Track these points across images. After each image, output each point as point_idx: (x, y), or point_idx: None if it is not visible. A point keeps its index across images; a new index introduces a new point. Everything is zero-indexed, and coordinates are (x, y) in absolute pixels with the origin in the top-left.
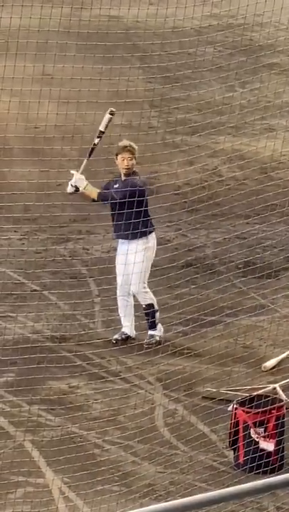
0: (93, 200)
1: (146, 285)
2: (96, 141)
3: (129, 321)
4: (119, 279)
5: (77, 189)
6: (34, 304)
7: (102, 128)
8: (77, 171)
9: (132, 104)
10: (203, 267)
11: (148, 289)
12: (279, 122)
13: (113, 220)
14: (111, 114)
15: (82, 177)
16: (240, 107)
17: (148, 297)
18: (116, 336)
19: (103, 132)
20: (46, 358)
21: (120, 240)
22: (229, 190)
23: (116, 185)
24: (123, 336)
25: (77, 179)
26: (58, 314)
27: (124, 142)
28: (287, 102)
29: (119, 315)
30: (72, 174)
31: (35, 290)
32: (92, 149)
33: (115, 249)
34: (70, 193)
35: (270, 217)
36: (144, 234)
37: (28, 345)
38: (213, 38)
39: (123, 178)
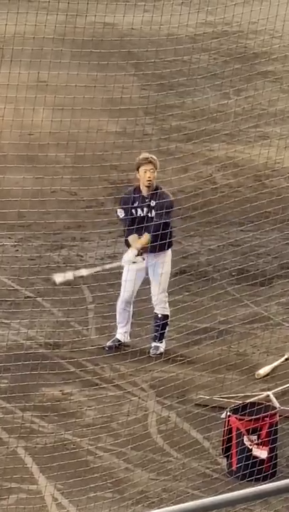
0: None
1: (167, 294)
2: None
3: (124, 328)
4: (127, 286)
5: (138, 255)
6: (28, 310)
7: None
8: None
9: (127, 111)
10: (197, 274)
11: (167, 300)
12: (273, 130)
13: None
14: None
15: (128, 250)
16: (234, 114)
17: (167, 307)
18: (109, 343)
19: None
20: (40, 365)
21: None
22: (223, 198)
23: (137, 202)
24: (116, 343)
25: (130, 254)
26: (51, 321)
27: (145, 154)
28: (282, 109)
29: (113, 322)
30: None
31: (28, 297)
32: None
33: (109, 257)
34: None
35: (264, 224)
36: (171, 245)
37: (22, 352)
38: (207, 45)
39: (145, 192)
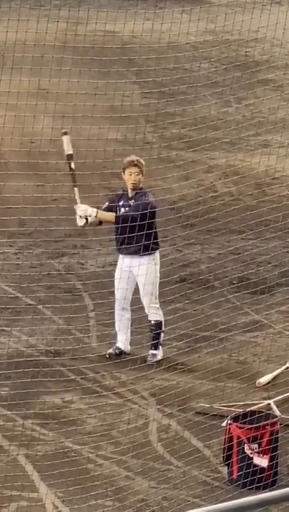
0: (100, 223)
1: (157, 301)
2: (72, 165)
3: (124, 335)
4: (118, 294)
5: (87, 220)
6: (29, 318)
7: (69, 151)
8: (77, 203)
9: (128, 119)
10: (198, 282)
11: (159, 306)
12: (274, 138)
13: (117, 234)
14: (64, 133)
15: (86, 206)
16: (235, 122)
17: (159, 313)
18: (110, 351)
19: (71, 154)
20: (40, 373)
21: (123, 255)
22: (224, 206)
23: (122, 201)
24: (117, 351)
25: (83, 209)
26: (52, 329)
27: (132, 157)
28: (282, 117)
29: (114, 329)
30: (76, 209)
31: (29, 304)
32: (73, 175)
33: (111, 264)
34: (84, 226)
35: (265, 232)
36: (154, 249)
37: (23, 360)
38: (208, 53)
39: (130, 193)
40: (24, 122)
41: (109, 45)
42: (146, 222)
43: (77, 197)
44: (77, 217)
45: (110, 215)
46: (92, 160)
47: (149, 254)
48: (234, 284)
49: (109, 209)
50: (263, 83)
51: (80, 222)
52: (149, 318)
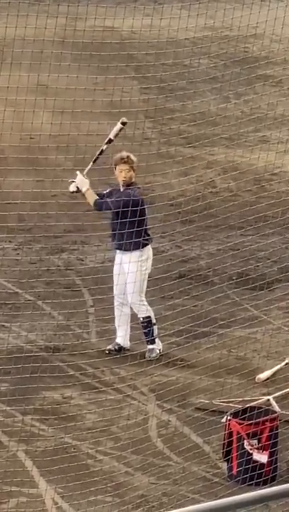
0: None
1: (143, 297)
2: (104, 147)
3: (124, 331)
4: (115, 289)
5: (78, 190)
6: (28, 313)
7: (112, 136)
8: (82, 173)
9: (127, 114)
10: (197, 278)
11: (145, 302)
12: (273, 134)
13: (112, 230)
14: (123, 124)
15: (86, 180)
16: (234, 118)
17: (143, 309)
18: (109, 347)
19: (112, 140)
20: (40, 368)
21: (117, 250)
22: (223, 202)
23: (113, 195)
24: (116, 347)
25: (81, 180)
26: (51, 324)
27: (122, 154)
28: (281, 113)
29: (114, 325)
30: (77, 174)
31: (29, 300)
32: (100, 154)
33: (110, 260)
34: (72, 192)
35: (264, 228)
36: (138, 246)
37: (22, 355)
38: (207, 49)
39: (121, 188)
40: (23, 118)
41: (109, 40)
42: (128, 218)
43: (86, 169)
44: (72, 183)
45: (92, 198)
46: (92, 155)
47: (137, 249)
48: (233, 279)
49: (106, 196)
50: (262, 79)
51: (72, 188)
52: (138, 316)
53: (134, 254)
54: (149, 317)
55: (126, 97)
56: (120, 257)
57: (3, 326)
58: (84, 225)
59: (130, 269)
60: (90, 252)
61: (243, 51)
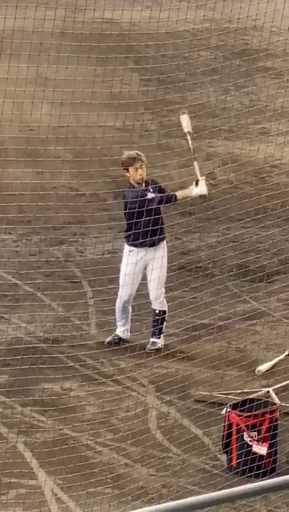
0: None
1: (164, 291)
2: (190, 141)
3: (125, 324)
4: (124, 290)
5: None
6: (28, 305)
7: (188, 129)
8: (199, 177)
9: (127, 106)
10: (197, 270)
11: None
12: (273, 125)
13: (130, 229)
14: (184, 113)
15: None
16: (234, 110)
17: (165, 303)
18: (109, 339)
19: (190, 132)
20: (39, 360)
21: (137, 249)
22: (223, 194)
23: (131, 195)
24: (116, 339)
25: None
26: (51, 316)
27: (131, 153)
28: (281, 105)
29: (113, 317)
30: (200, 181)
31: (28, 292)
32: (193, 150)
33: (110, 252)
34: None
35: (264, 220)
36: (164, 238)
37: (22, 347)
38: (207, 40)
39: (141, 186)
40: (22, 109)
41: (108, 32)
42: (159, 214)
43: (197, 170)
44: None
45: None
46: (91, 147)
47: (161, 242)
48: (233, 271)
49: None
50: (262, 71)
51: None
52: (153, 307)
53: (165, 245)
54: (165, 312)
55: (126, 88)
56: (144, 253)
57: (3, 317)
58: (83, 216)
59: (162, 263)
60: (89, 244)
61: (243, 43)
